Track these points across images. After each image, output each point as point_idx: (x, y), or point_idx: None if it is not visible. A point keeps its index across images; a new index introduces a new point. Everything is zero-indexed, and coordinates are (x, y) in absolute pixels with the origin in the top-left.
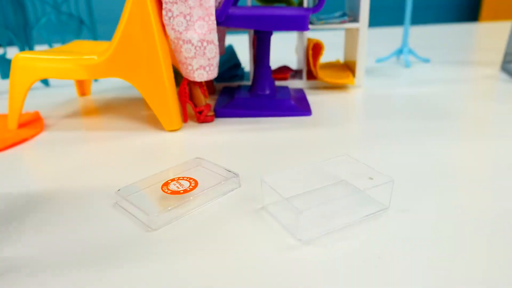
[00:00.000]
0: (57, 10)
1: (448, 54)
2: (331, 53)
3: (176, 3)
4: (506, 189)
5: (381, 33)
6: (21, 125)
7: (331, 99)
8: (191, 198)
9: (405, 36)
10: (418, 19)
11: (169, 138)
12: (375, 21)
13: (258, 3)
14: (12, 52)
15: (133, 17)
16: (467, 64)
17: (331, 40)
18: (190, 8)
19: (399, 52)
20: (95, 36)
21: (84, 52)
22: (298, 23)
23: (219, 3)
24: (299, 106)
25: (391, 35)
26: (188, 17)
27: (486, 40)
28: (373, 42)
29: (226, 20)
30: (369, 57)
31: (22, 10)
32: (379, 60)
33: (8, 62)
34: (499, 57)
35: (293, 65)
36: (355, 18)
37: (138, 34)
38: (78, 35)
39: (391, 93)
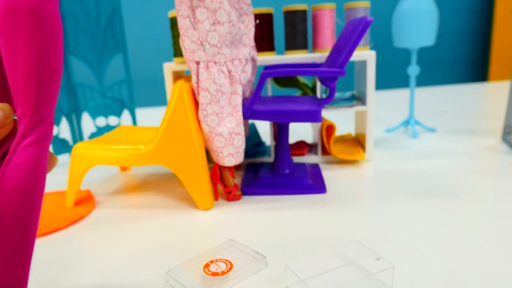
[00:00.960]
0: (103, 95)
1: (453, 122)
2: (343, 124)
3: (210, 104)
4: None
5: (389, 96)
6: (76, 203)
7: (344, 175)
8: (229, 279)
9: (411, 108)
10: (425, 80)
11: (204, 217)
12: (382, 83)
13: (276, 86)
14: (63, 130)
15: (174, 115)
16: (471, 133)
17: (343, 114)
18: (222, 107)
19: (407, 122)
20: (134, 117)
21: (131, 141)
22: (313, 116)
23: (250, 90)
24: (315, 184)
25: (399, 97)
26: (219, 115)
27: (493, 102)
28: (381, 104)
29: (251, 114)
30: (379, 125)
31: (74, 96)
32: (388, 130)
33: (61, 141)
34: (501, 124)
35: (309, 138)
36: (362, 101)
37: (178, 129)
38: (119, 115)
39: (399, 168)
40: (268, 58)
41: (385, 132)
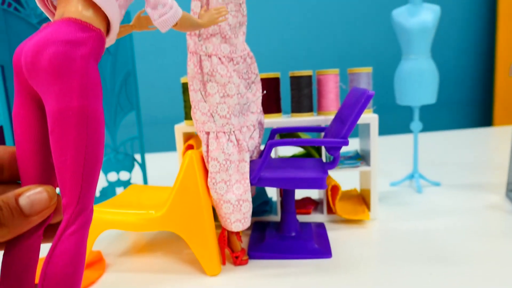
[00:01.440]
0: (116, 151)
1: (457, 174)
2: (348, 178)
3: (219, 172)
4: None
5: (393, 141)
6: (87, 266)
7: (349, 236)
8: None
9: (415, 162)
10: (429, 124)
11: (211, 284)
12: (385, 129)
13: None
14: None
15: (184, 183)
16: (476, 187)
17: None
18: (230, 175)
19: (411, 176)
20: (144, 173)
21: (141, 204)
22: (318, 184)
23: (257, 152)
24: (320, 249)
25: (402, 142)
26: (228, 182)
27: (498, 150)
28: (385, 150)
29: (258, 181)
30: (383, 177)
31: None
32: (393, 184)
33: None
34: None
35: (315, 194)
36: (366, 161)
37: (188, 196)
38: (130, 171)
39: (404, 229)
40: (275, 121)
41: (390, 186)
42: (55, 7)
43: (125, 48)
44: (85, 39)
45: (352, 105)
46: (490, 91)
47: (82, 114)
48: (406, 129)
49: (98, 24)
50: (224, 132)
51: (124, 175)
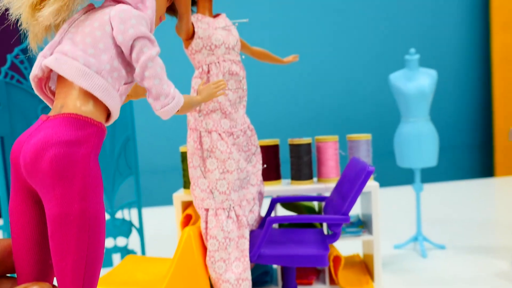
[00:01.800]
0: (113, 216)
1: (462, 235)
2: (350, 244)
3: (217, 251)
4: None
5: (395, 194)
6: None
7: None
8: None
9: (418, 224)
10: (431, 175)
11: None
12: (386, 180)
13: (289, 210)
14: None
15: (182, 261)
16: (481, 251)
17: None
18: (229, 253)
19: (415, 239)
20: (142, 240)
21: (138, 280)
22: (319, 261)
23: (257, 222)
24: None
25: (405, 195)
26: (227, 261)
27: (501, 205)
28: (387, 206)
29: (258, 259)
30: (386, 237)
31: None
32: (397, 247)
33: None
34: None
35: None
36: (368, 229)
37: (185, 275)
38: (127, 236)
39: None
40: (275, 189)
41: (394, 249)
42: (53, 93)
43: (125, 113)
44: (86, 137)
45: (352, 180)
46: (490, 141)
47: (83, 218)
48: (407, 180)
49: (98, 116)
50: (223, 209)
51: (121, 241)
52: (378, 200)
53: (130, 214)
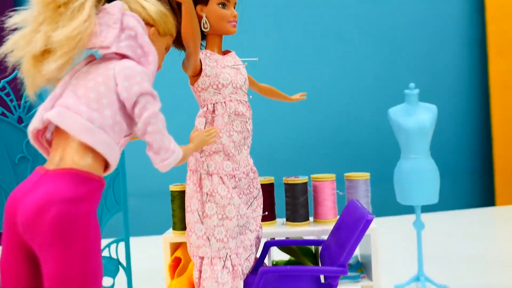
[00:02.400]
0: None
1: (465, 273)
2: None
3: None
4: None
5: (394, 223)
6: None
7: None
8: None
9: (420, 263)
10: (431, 206)
11: None
12: (384, 211)
13: (284, 252)
14: None
15: None
16: None
17: None
18: None
19: (417, 279)
20: (129, 279)
21: None
22: None
23: (251, 266)
24: None
25: (404, 224)
26: None
27: (504, 237)
28: (387, 237)
29: None
30: (386, 274)
31: None
32: (398, 287)
33: None
34: None
35: None
36: (368, 274)
37: None
38: (114, 276)
39: None
40: (270, 231)
41: None
42: (48, 142)
43: None
44: (87, 193)
45: (351, 228)
46: (490, 169)
47: (83, 279)
48: (405, 209)
49: (98, 169)
50: (219, 258)
51: (107, 281)
52: (378, 244)
53: (117, 252)
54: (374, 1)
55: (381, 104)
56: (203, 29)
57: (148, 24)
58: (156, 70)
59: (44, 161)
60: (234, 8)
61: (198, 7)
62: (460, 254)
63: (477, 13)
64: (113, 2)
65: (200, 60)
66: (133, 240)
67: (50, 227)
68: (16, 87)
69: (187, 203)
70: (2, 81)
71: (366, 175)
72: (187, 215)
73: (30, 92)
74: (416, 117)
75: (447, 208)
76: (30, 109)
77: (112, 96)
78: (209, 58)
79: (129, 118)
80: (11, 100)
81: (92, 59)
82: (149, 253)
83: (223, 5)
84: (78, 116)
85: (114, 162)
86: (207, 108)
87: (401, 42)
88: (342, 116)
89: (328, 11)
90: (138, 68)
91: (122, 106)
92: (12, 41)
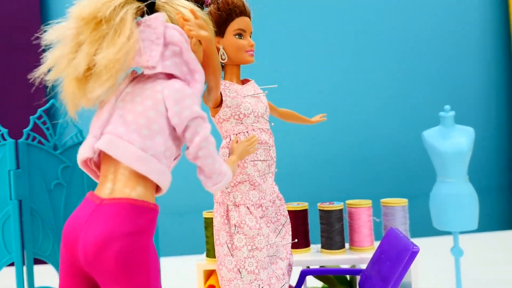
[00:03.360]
0: None
1: None
2: None
3: None
4: None
5: (429, 244)
6: None
7: None
8: None
9: None
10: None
11: None
12: (420, 232)
13: (320, 280)
14: None
15: None
16: None
17: None
18: None
19: None
20: None
21: None
22: None
23: None
24: None
25: (439, 246)
26: None
27: None
28: (421, 257)
29: None
30: None
31: None
32: None
33: None
34: None
35: None
36: None
37: None
38: None
39: None
40: (304, 259)
41: None
42: (96, 165)
43: None
44: (146, 224)
45: (394, 260)
46: None
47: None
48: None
49: (150, 196)
50: None
51: None
52: (419, 273)
53: None
54: (405, 20)
55: (414, 126)
56: (221, 60)
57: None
58: (202, 88)
59: (77, 187)
60: (250, 37)
61: (215, 39)
62: (502, 280)
63: None
64: (154, 15)
65: (220, 92)
66: (163, 261)
67: (113, 263)
68: (52, 114)
69: (215, 236)
70: (39, 110)
71: (403, 201)
72: (216, 248)
73: (72, 112)
74: (453, 141)
75: (487, 230)
76: (64, 136)
77: (162, 121)
78: (228, 89)
79: (178, 140)
80: (47, 128)
81: (135, 76)
82: (180, 275)
83: (240, 35)
84: (131, 145)
85: (166, 187)
86: (230, 139)
87: (431, 61)
88: (372, 138)
89: (353, 30)
90: (187, 90)
91: (172, 130)
92: (50, 61)
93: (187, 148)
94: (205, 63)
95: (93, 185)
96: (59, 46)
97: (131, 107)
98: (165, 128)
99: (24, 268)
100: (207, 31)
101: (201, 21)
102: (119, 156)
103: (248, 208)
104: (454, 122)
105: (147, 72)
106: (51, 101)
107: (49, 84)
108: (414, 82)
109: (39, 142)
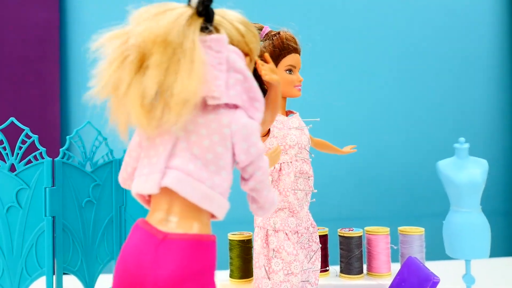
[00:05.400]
0: None
1: None
2: None
3: None
4: None
5: (442, 267)
6: None
7: None
8: None
9: None
10: None
11: None
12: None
13: None
14: None
15: None
16: None
17: None
18: None
19: None
20: None
21: None
22: None
23: None
24: None
25: (453, 269)
26: None
27: None
28: None
29: None
30: None
31: None
32: None
33: None
34: None
35: None
36: None
37: None
38: None
39: None
40: (324, 282)
41: None
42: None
43: None
44: (211, 260)
45: None
46: None
47: None
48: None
49: (209, 226)
50: None
51: None
52: None
53: None
54: (421, 47)
55: (428, 155)
56: None
57: (243, 52)
58: (262, 117)
59: (106, 205)
60: (298, 72)
61: None
62: None
63: None
64: (216, 36)
65: None
66: None
67: None
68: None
69: (255, 259)
70: (75, 130)
71: (421, 230)
72: (255, 270)
73: (123, 135)
74: (467, 172)
75: (498, 255)
76: (96, 155)
77: (228, 156)
78: (276, 120)
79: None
80: (82, 148)
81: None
82: None
83: (290, 71)
84: (201, 184)
85: (223, 217)
86: (274, 168)
87: (442, 93)
88: (386, 165)
89: (373, 57)
90: (254, 125)
91: (233, 164)
92: (104, 81)
93: (245, 179)
94: (269, 101)
95: (119, 201)
96: (112, 65)
97: (197, 140)
98: (230, 163)
99: (54, 282)
100: (278, 75)
101: (272, 65)
102: (187, 194)
103: (286, 234)
104: (468, 153)
105: (210, 102)
106: (86, 122)
107: (97, 104)
108: (429, 111)
109: (74, 160)
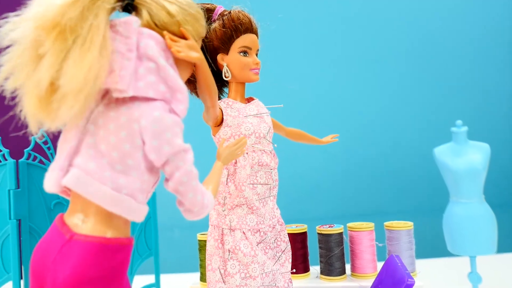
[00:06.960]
0: None
1: None
2: None
3: None
4: None
5: (445, 266)
6: None
7: None
8: None
9: None
10: None
11: None
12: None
13: None
14: None
15: None
16: None
17: None
18: None
19: None
20: None
21: None
22: None
23: None
24: None
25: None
26: None
27: None
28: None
29: None
30: None
31: None
32: None
33: None
34: None
35: None
36: None
37: None
38: None
39: None
40: (303, 285)
41: None
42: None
43: None
44: (118, 266)
45: None
46: None
47: None
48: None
49: (125, 230)
50: None
51: None
52: None
53: None
54: (417, 33)
55: (424, 142)
56: (224, 78)
57: (176, 34)
58: (186, 108)
59: None
60: (257, 55)
61: (219, 56)
62: None
63: None
64: (125, 18)
65: (222, 110)
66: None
67: None
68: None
69: (207, 261)
70: (40, 129)
71: (409, 225)
72: (208, 273)
73: (34, 129)
74: (466, 158)
75: (507, 250)
76: None
77: (138, 155)
78: (230, 108)
79: (156, 169)
80: (49, 148)
81: (107, 93)
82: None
83: (245, 53)
84: (103, 185)
85: (142, 220)
86: None
87: (444, 72)
88: (378, 156)
89: (368, 46)
90: (167, 119)
91: (149, 162)
92: (8, 67)
93: (166, 180)
94: (199, 83)
95: None
96: (17, 51)
97: (104, 134)
98: (141, 162)
99: (22, 287)
100: (198, 52)
101: (192, 41)
102: (89, 195)
103: (244, 233)
104: (467, 138)
105: (116, 95)
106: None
107: (9, 95)
108: (423, 95)
109: (40, 161)
